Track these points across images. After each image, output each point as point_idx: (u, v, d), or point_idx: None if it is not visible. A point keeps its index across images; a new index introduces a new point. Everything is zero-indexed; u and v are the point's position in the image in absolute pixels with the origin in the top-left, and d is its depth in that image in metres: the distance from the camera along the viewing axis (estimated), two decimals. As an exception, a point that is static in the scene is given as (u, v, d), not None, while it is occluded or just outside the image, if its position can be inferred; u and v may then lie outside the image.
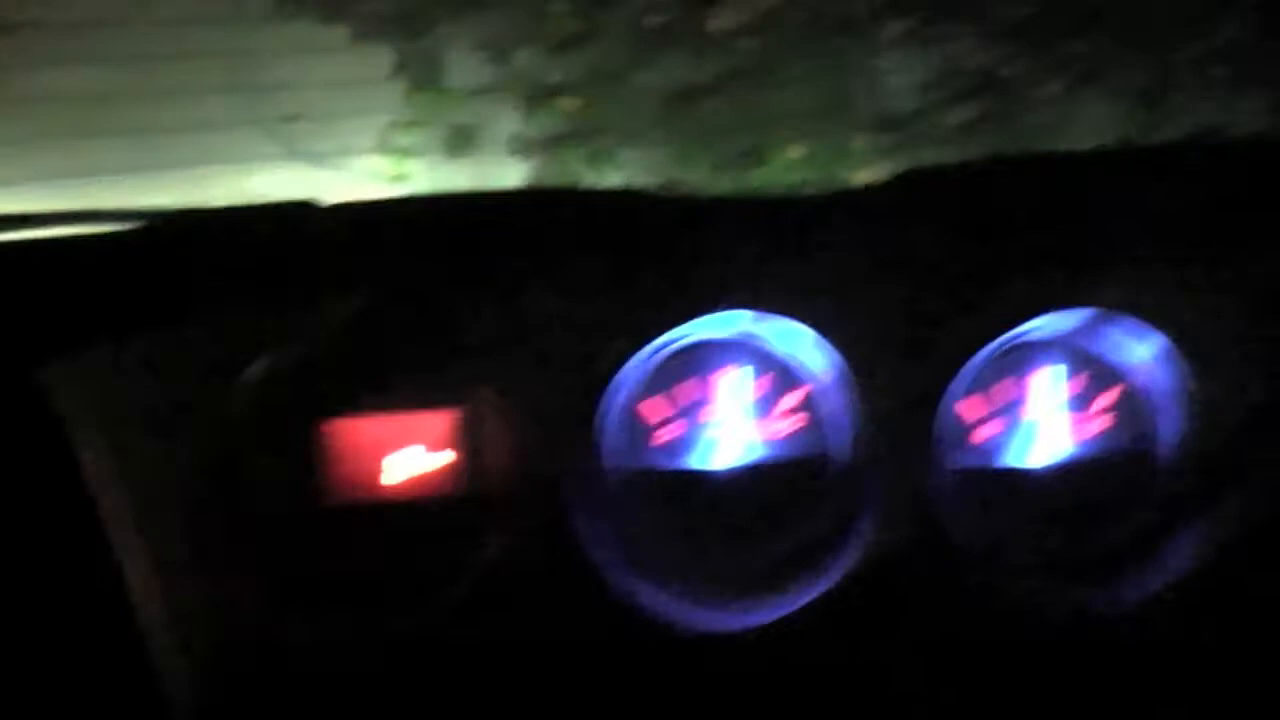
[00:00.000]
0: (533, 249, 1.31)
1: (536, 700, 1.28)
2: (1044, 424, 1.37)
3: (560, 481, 1.26)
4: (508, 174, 3.55)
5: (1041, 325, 1.31)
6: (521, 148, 3.67)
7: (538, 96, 3.69)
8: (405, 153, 3.68)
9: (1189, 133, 3.54)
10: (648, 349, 1.30)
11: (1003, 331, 1.29)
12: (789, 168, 3.50)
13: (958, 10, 3.66)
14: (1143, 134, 3.47)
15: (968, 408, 1.35)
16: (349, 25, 3.74)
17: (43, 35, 3.56)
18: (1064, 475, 1.36)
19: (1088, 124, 3.58)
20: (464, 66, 3.75)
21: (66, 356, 1.22)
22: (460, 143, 3.68)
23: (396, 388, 1.33)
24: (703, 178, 3.50)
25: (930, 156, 3.43)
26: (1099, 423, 1.37)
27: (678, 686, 1.27)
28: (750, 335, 1.33)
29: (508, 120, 3.72)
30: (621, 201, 1.33)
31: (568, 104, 3.67)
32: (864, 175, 3.50)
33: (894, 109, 3.69)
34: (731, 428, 1.34)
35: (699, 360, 1.35)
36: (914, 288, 1.28)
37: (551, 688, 1.27)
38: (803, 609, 1.25)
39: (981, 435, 1.36)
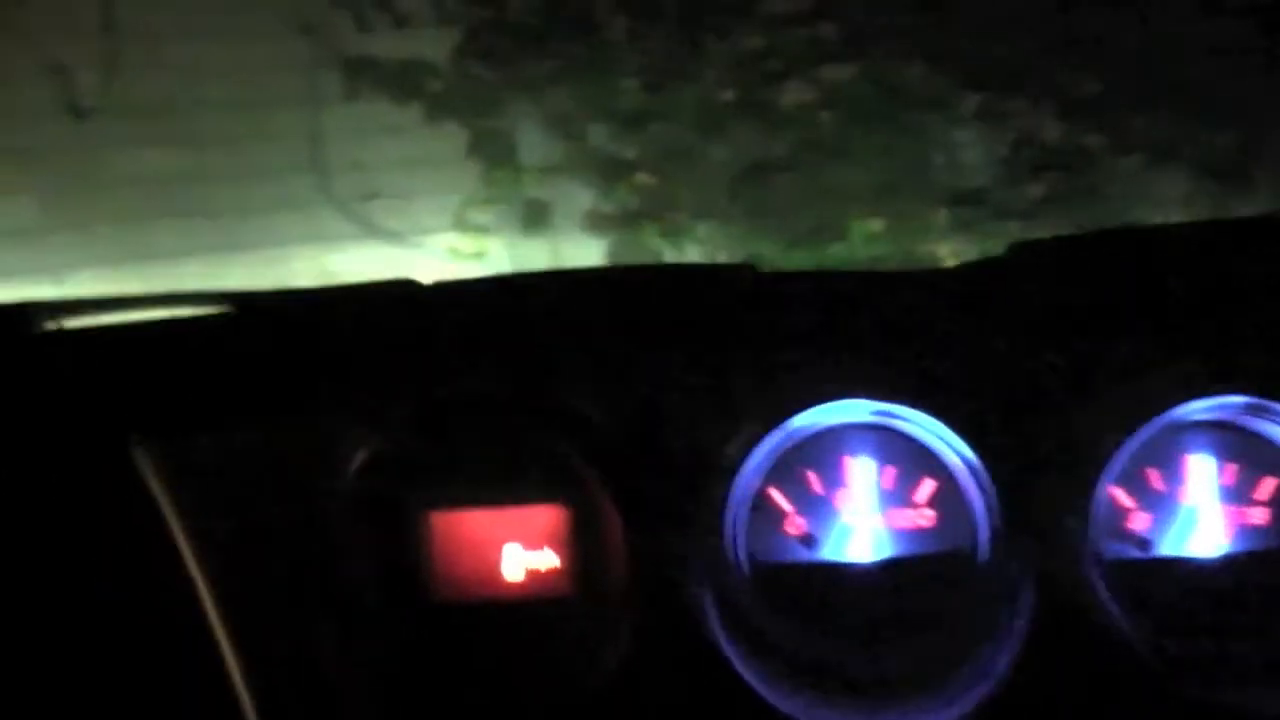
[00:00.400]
0: (650, 330, 1.28)
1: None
2: (1203, 511, 1.31)
3: (687, 576, 1.21)
4: (584, 250, 3.55)
5: (1194, 410, 1.26)
6: (597, 223, 3.67)
7: (611, 172, 3.68)
8: (482, 230, 3.68)
9: (1268, 208, 3.51)
10: (774, 436, 1.25)
11: (1155, 415, 1.24)
12: (866, 242, 3.48)
13: (1034, 84, 3.64)
14: (1220, 209, 3.45)
15: (1121, 495, 1.29)
16: (421, 105, 3.75)
17: (119, 118, 3.59)
18: (1227, 566, 1.30)
19: (1166, 198, 3.55)
20: (536, 143, 3.76)
21: (163, 442, 1.20)
22: (536, 219, 3.68)
23: (508, 480, 1.28)
24: (778, 252, 3.48)
25: (1008, 231, 3.40)
26: (1259, 513, 1.31)
27: None
28: (882, 422, 1.28)
29: (582, 196, 3.72)
30: (742, 278, 1.29)
31: (641, 179, 3.67)
32: (943, 250, 3.47)
33: (971, 183, 3.67)
34: (866, 518, 1.29)
35: (829, 446, 1.30)
36: (1058, 373, 1.24)
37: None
38: (960, 718, 1.20)
39: (1137, 524, 1.30)
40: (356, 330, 1.28)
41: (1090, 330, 1.26)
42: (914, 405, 1.23)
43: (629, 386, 1.24)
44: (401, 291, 1.30)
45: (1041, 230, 3.30)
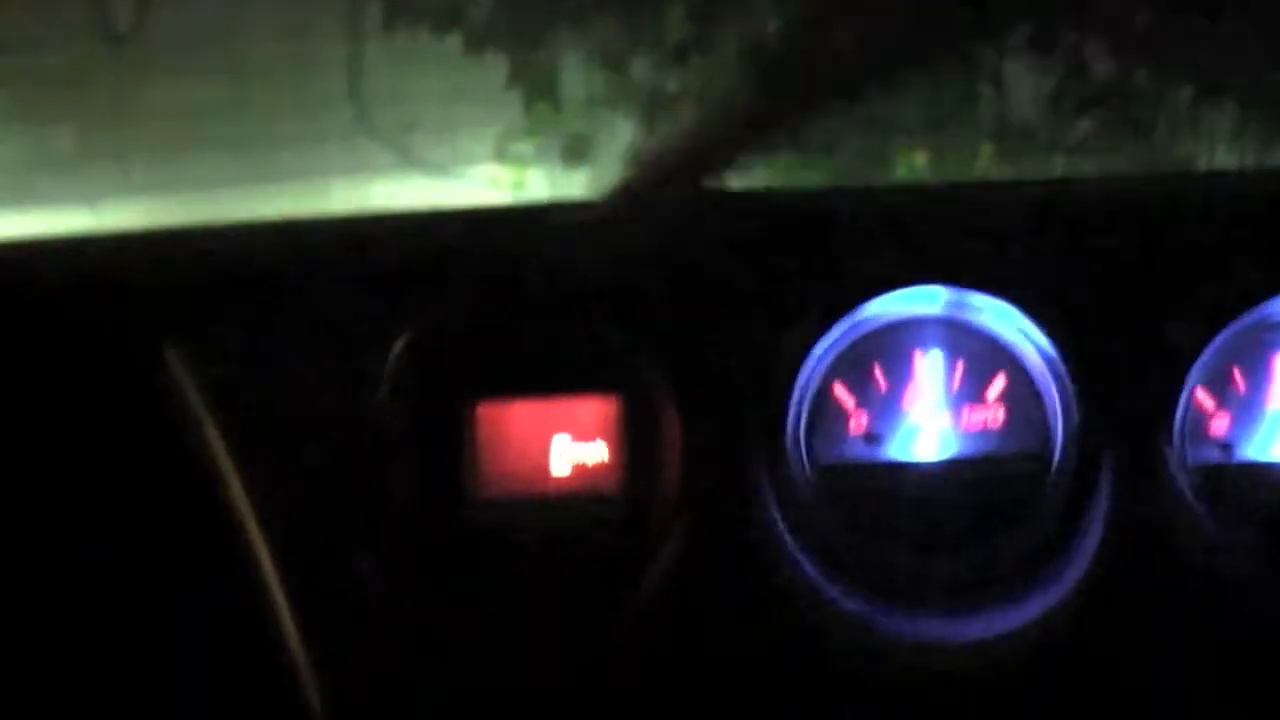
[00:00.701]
0: (709, 235, 1.23)
1: (723, 714, 1.19)
2: (1287, 414, 1.26)
3: (748, 473, 1.17)
4: (625, 185, 3.51)
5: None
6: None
7: (654, 105, 3.64)
8: (523, 162, 3.64)
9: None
10: (840, 327, 1.20)
11: (1240, 313, 1.19)
12: (913, 174, 3.44)
13: (1084, 17, 3.59)
14: (1269, 145, 3.41)
15: (1204, 397, 1.25)
16: (462, 35, 3.71)
17: (155, 47, 3.57)
18: None
19: (1214, 134, 3.50)
20: (579, 76, 3.73)
21: (196, 341, 1.17)
22: (577, 152, 3.64)
23: (558, 369, 1.23)
24: (826, 184, 3.44)
25: (1055, 166, 3.37)
26: None
27: (879, 701, 1.18)
28: (954, 314, 1.23)
29: (623, 129, 3.69)
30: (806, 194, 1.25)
31: (685, 113, 3.63)
32: (991, 183, 3.44)
33: (1018, 117, 3.63)
34: (934, 416, 1.25)
35: (898, 339, 1.25)
36: (1142, 267, 1.19)
37: (738, 702, 1.18)
38: (1027, 624, 1.16)
39: (1219, 427, 1.26)
40: (394, 248, 1.25)
41: (1172, 225, 1.21)
42: (990, 293, 1.17)
43: (689, 275, 1.19)
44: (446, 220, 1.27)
45: (1088, 166, 3.27)
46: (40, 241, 1.25)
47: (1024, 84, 3.65)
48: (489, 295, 1.21)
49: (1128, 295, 1.19)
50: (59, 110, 3.46)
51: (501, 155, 3.65)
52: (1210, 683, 1.17)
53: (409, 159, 3.68)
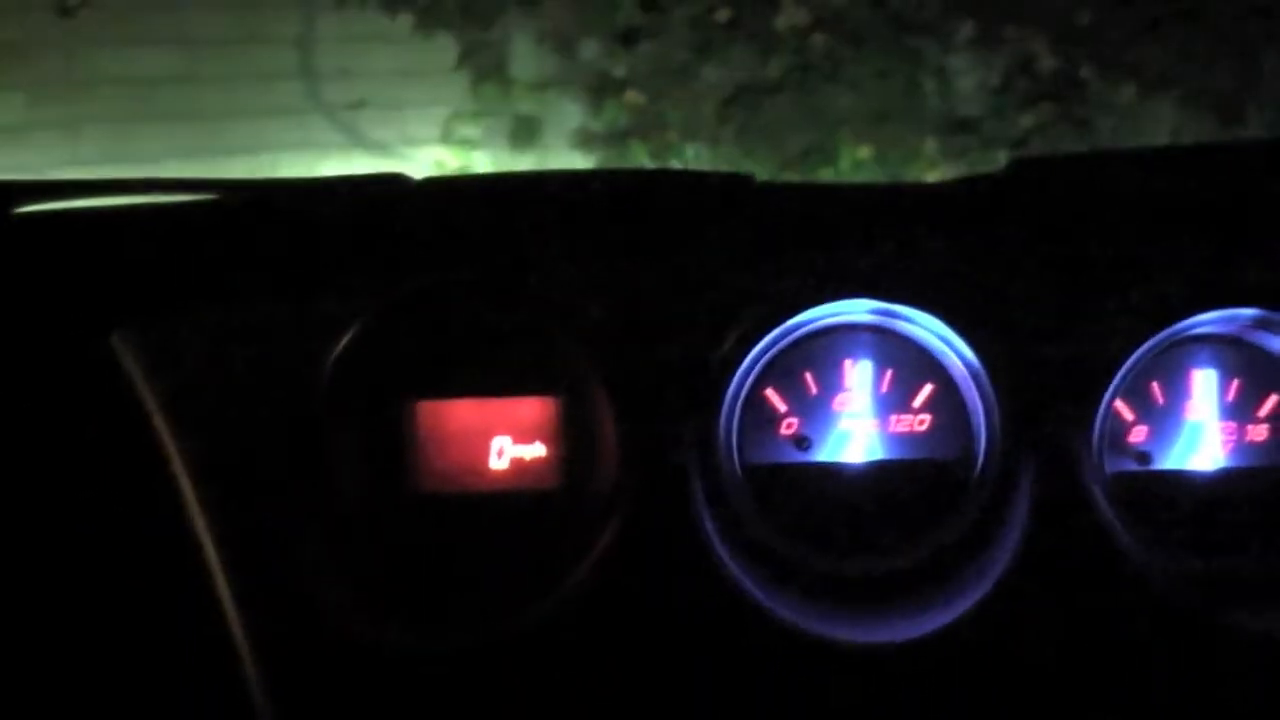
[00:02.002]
0: (649, 229, 1.25)
1: (647, 705, 1.21)
2: (1207, 427, 1.30)
3: (680, 473, 1.20)
4: (572, 167, 3.50)
5: (1202, 322, 1.24)
6: (585, 141, 3.64)
7: (602, 90, 3.66)
8: (469, 143, 3.65)
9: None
10: (772, 334, 1.23)
11: (1162, 328, 1.22)
12: (857, 168, 3.48)
13: (1030, 11, 3.62)
14: (1215, 139, 3.43)
15: (1123, 408, 1.28)
16: (412, 14, 3.71)
17: (105, 17, 3.54)
18: (1226, 482, 1.29)
19: (1157, 130, 3.54)
20: (528, 58, 3.73)
21: (144, 329, 1.18)
22: (524, 134, 3.65)
23: (497, 372, 1.26)
24: (767, 175, 3.45)
25: (998, 160, 3.38)
26: (1261, 430, 1.30)
27: (805, 701, 1.21)
28: (882, 323, 1.26)
29: (571, 113, 3.70)
30: (741, 185, 1.27)
31: (632, 98, 3.64)
32: (932, 177, 3.46)
33: (962, 111, 3.65)
34: (862, 422, 1.28)
35: (828, 348, 1.28)
36: (1065, 281, 1.22)
37: (665, 692, 1.21)
38: (951, 623, 1.19)
39: (1137, 437, 1.30)
40: (343, 219, 1.25)
41: (1097, 241, 1.24)
42: (917, 305, 1.21)
43: (625, 282, 1.22)
44: (391, 184, 1.27)
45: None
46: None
47: (969, 78, 3.68)
48: (435, 291, 1.23)
49: (1050, 308, 1.22)
50: (8, 80, 3.43)
51: (449, 137, 3.64)
52: (1126, 676, 1.20)
53: (356, 138, 3.67)
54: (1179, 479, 1.29)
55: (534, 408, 1.25)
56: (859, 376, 1.27)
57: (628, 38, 3.66)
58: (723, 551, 1.19)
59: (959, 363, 1.24)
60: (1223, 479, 1.28)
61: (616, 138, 3.63)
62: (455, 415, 1.25)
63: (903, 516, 1.27)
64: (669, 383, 1.19)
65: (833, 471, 1.27)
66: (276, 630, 1.16)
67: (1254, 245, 1.22)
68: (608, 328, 1.20)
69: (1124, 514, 1.21)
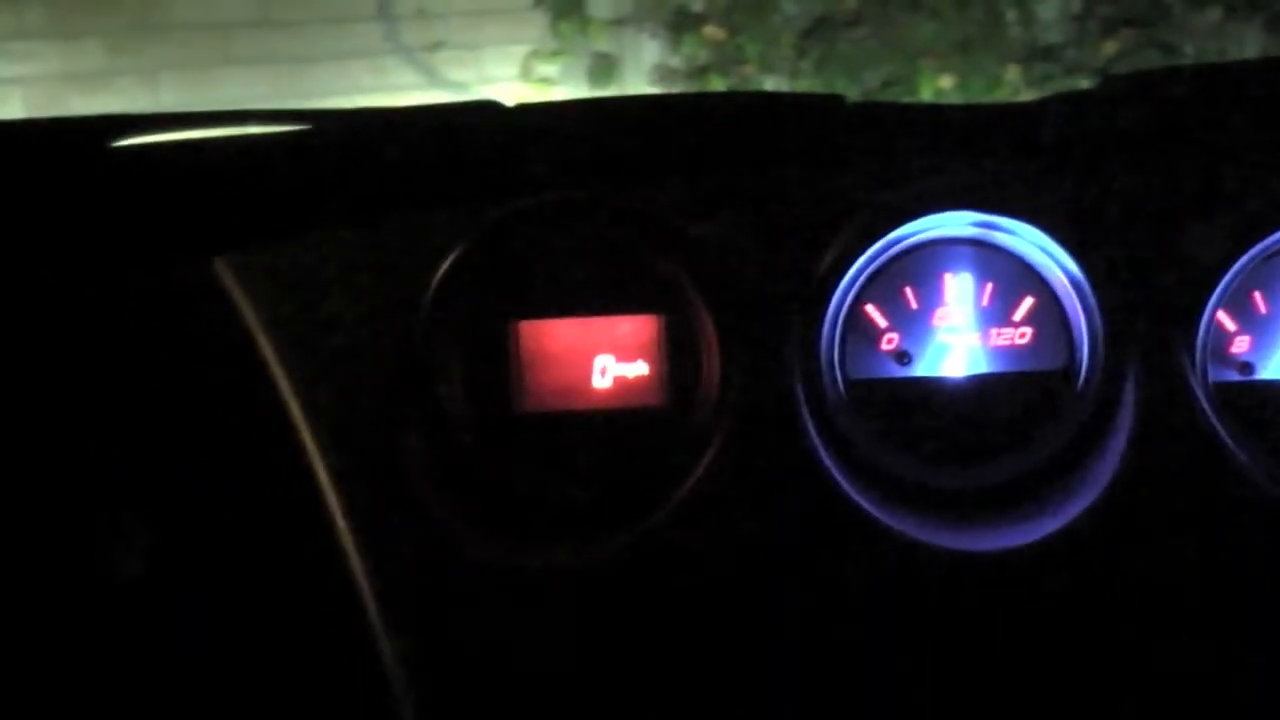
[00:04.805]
0: (746, 147, 1.25)
1: (756, 618, 1.22)
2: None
3: (784, 389, 1.20)
4: (656, 100, 3.50)
5: None
6: (664, 77, 3.62)
7: (680, 25, 3.63)
8: (548, 82, 3.64)
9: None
10: (872, 249, 1.23)
11: (1263, 236, 1.21)
12: (938, 98, 3.43)
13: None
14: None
15: (1225, 318, 1.27)
16: (489, -46, 3.71)
17: (183, -37, 3.56)
18: None
19: (1245, 53, 3.48)
20: (605, -5, 3.71)
21: (247, 255, 1.20)
22: (603, 72, 3.64)
23: (598, 291, 1.27)
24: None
25: (1083, 88, 3.32)
26: None
27: (917, 610, 1.21)
28: (982, 236, 1.26)
29: (650, 49, 3.68)
30: (834, 104, 1.26)
31: (710, 33, 3.62)
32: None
33: (1045, 38, 3.60)
34: (963, 335, 1.28)
35: (927, 262, 1.28)
36: (1164, 192, 1.21)
37: (772, 607, 1.22)
38: (1053, 534, 1.18)
39: (1240, 348, 1.28)
40: (439, 143, 1.26)
41: (1193, 153, 1.23)
42: (1017, 216, 1.20)
43: (726, 200, 1.22)
44: (485, 109, 1.28)
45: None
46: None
47: (1050, 5, 3.63)
48: (535, 211, 1.24)
49: (1150, 219, 1.21)
50: (87, 27, 3.45)
51: (527, 75, 3.64)
52: (1233, 583, 1.20)
53: (434, 79, 3.67)
54: None
55: (636, 326, 1.26)
56: (959, 290, 1.27)
57: (706, -28, 3.64)
58: (830, 465, 1.19)
59: (1060, 275, 1.23)
60: None
61: (695, 73, 3.61)
62: (557, 335, 1.26)
63: (1007, 428, 1.26)
64: (771, 299, 1.20)
65: (934, 386, 1.27)
66: (387, 546, 1.18)
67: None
68: (708, 246, 1.21)
69: (1228, 423, 1.20)
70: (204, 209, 1.22)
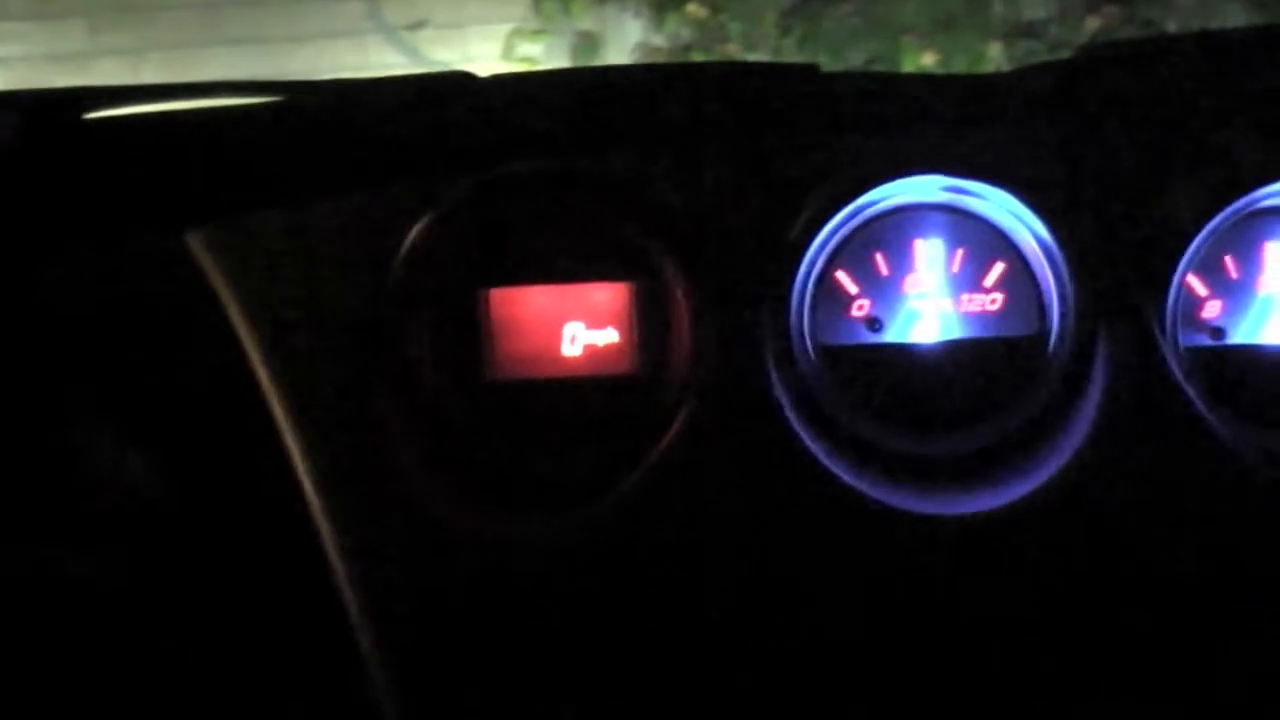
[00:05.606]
0: (718, 114, 1.25)
1: (730, 584, 1.22)
2: (1278, 300, 1.28)
3: (755, 355, 1.20)
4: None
5: (1273, 193, 1.23)
6: (647, 56, 3.63)
7: (663, 4, 3.63)
8: (531, 60, 3.64)
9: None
10: (842, 214, 1.22)
11: (1232, 200, 1.21)
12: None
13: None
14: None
15: (1196, 282, 1.27)
16: (473, -68, 3.71)
17: (163, -57, 3.56)
18: None
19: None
20: (589, -27, 3.71)
21: (219, 226, 1.19)
22: (586, 50, 3.64)
23: (569, 258, 1.27)
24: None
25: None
26: None
27: (889, 574, 1.22)
28: (953, 202, 1.26)
29: (633, 28, 3.68)
30: (808, 72, 1.27)
31: (693, 11, 3.62)
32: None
33: (1028, 15, 3.61)
34: (934, 301, 1.28)
35: (898, 227, 1.28)
36: (1134, 157, 1.21)
37: (746, 573, 1.22)
38: (1031, 493, 1.19)
39: (1211, 312, 1.29)
40: (411, 113, 1.26)
41: (1167, 115, 1.24)
42: (988, 180, 1.20)
43: (696, 167, 1.22)
44: (458, 81, 1.28)
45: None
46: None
47: (1034, -18, 3.64)
48: (505, 179, 1.24)
49: (1121, 183, 1.21)
50: (71, 7, 3.45)
51: (510, 54, 3.63)
52: (1204, 545, 1.20)
53: (417, 58, 3.67)
54: (1253, 353, 1.28)
55: (606, 293, 1.26)
56: (929, 256, 1.27)
57: (689, -50, 3.64)
58: (801, 431, 1.19)
59: (1031, 240, 1.23)
60: None
61: (678, 52, 3.61)
62: (527, 302, 1.26)
63: (978, 394, 1.27)
64: (741, 265, 1.20)
65: (905, 352, 1.27)
66: (358, 515, 1.18)
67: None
68: (679, 213, 1.21)
69: (1199, 388, 1.20)
70: (174, 181, 1.22)
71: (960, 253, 1.27)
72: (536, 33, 3.66)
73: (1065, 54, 1.30)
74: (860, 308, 1.27)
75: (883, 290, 1.27)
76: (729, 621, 1.22)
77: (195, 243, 1.19)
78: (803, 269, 1.22)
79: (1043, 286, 1.26)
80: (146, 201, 1.21)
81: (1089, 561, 1.20)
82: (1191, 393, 1.19)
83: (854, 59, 3.53)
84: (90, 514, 1.18)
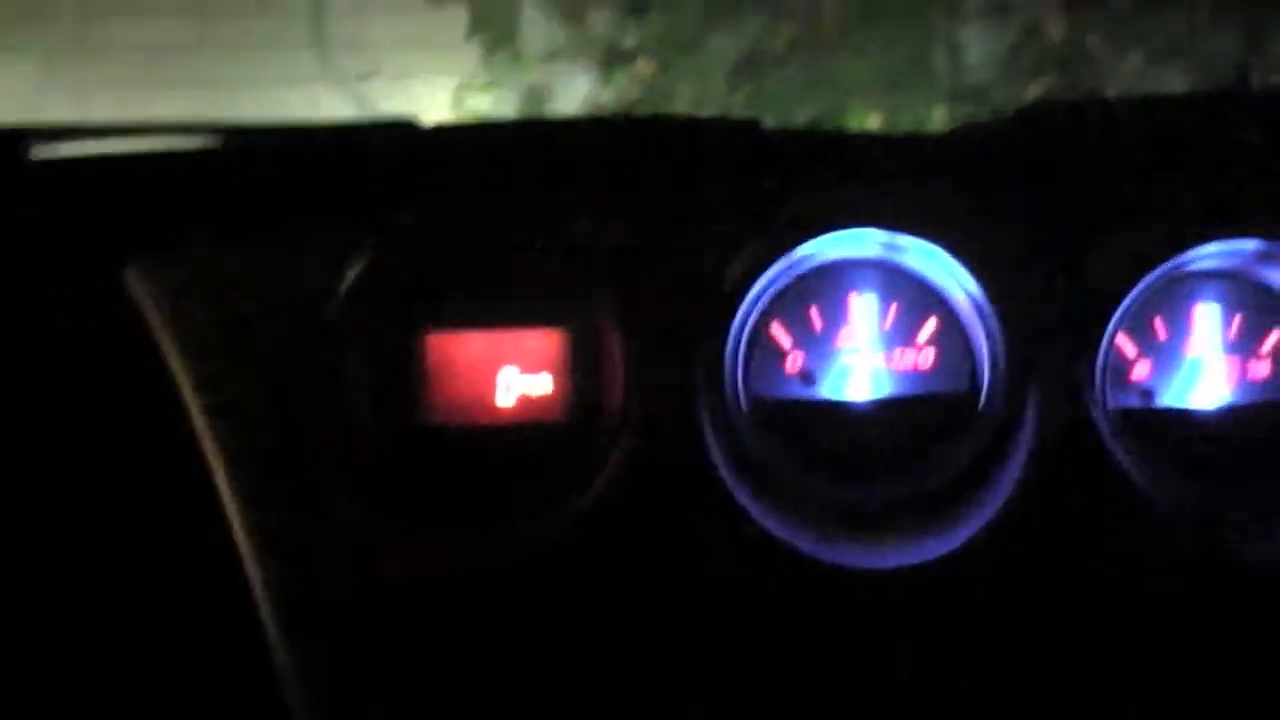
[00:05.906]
0: (656, 166, 1.27)
1: (659, 635, 1.23)
2: (1209, 363, 1.31)
3: (688, 404, 1.21)
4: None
5: (1203, 256, 1.25)
6: (595, 111, 3.63)
7: (612, 61, 3.65)
8: (480, 114, 3.64)
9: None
10: (777, 266, 1.24)
11: (1163, 261, 1.23)
12: (866, 135, 3.44)
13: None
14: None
15: (1125, 343, 1.29)
16: (424, -15, 3.71)
17: (116, -15, 3.55)
18: (1228, 418, 1.31)
19: (1164, 99, 3.52)
20: (538, 29, 3.72)
21: (156, 264, 1.20)
22: (534, 105, 3.65)
23: (506, 302, 1.28)
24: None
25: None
26: (1263, 366, 1.31)
27: (812, 626, 1.22)
28: (886, 258, 1.28)
29: (581, 84, 3.69)
30: (748, 128, 1.28)
31: (641, 68, 3.64)
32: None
33: (972, 80, 3.64)
34: (866, 358, 1.29)
35: (833, 281, 1.30)
36: (1067, 217, 1.24)
37: (671, 617, 1.23)
38: (955, 550, 1.20)
39: (1140, 373, 1.31)
40: (351, 157, 1.27)
41: (1100, 176, 1.26)
42: (922, 236, 1.22)
43: (633, 216, 1.23)
44: (401, 128, 1.29)
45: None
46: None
47: (977, 47, 3.67)
48: (440, 226, 1.25)
49: (1053, 242, 1.23)
50: (18, 44, 3.44)
51: (459, 107, 3.64)
52: (1127, 602, 1.22)
53: (366, 107, 3.67)
54: (1181, 416, 1.30)
55: (540, 339, 1.26)
56: (863, 310, 1.28)
57: (637, 7, 3.65)
58: (731, 482, 1.20)
59: (963, 297, 1.25)
60: (1225, 415, 1.29)
61: (626, 107, 3.62)
62: (464, 346, 1.26)
63: (909, 450, 1.28)
64: (675, 315, 1.21)
65: (837, 408, 1.29)
66: (287, 553, 1.18)
67: (1253, 180, 1.23)
68: (615, 261, 1.22)
69: (1127, 449, 1.22)
70: (114, 219, 1.23)
71: (894, 308, 1.28)
72: (486, 85, 3.66)
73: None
74: (794, 362, 1.28)
75: (816, 344, 1.29)
76: (657, 671, 1.23)
77: (131, 277, 1.20)
78: (737, 320, 1.23)
79: (974, 344, 1.27)
80: (85, 238, 1.22)
81: (1012, 616, 1.21)
82: (1119, 453, 1.21)
83: (800, 118, 3.55)
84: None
